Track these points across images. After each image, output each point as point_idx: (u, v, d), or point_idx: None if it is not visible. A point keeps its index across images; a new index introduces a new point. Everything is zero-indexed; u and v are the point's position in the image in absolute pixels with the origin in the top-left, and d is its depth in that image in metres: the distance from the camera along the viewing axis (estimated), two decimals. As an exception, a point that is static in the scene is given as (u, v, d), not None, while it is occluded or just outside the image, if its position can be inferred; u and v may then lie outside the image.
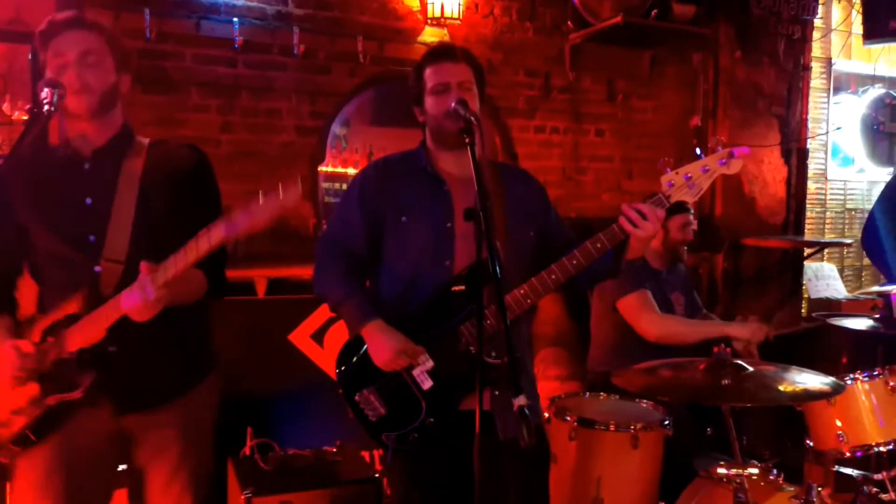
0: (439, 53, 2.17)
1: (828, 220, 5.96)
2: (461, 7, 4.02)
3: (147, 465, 2.04)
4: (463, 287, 2.06)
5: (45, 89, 1.79)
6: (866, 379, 2.74)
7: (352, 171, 4.09)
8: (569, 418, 2.64)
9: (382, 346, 2.05)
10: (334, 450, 3.02)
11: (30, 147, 1.87)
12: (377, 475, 2.85)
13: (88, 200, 1.94)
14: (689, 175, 1.98)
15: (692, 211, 3.45)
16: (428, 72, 2.14)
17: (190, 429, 2.05)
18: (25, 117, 1.79)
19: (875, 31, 4.88)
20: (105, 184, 1.95)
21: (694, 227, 3.52)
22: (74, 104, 1.89)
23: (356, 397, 2.13)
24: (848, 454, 2.73)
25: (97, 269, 1.90)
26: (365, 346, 2.10)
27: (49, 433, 1.89)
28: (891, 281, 3.78)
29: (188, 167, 2.08)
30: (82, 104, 1.89)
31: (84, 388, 1.85)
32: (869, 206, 5.37)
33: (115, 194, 1.94)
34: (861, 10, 5.10)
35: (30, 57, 3.38)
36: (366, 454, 3.27)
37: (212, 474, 2.18)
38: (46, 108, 1.77)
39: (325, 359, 3.48)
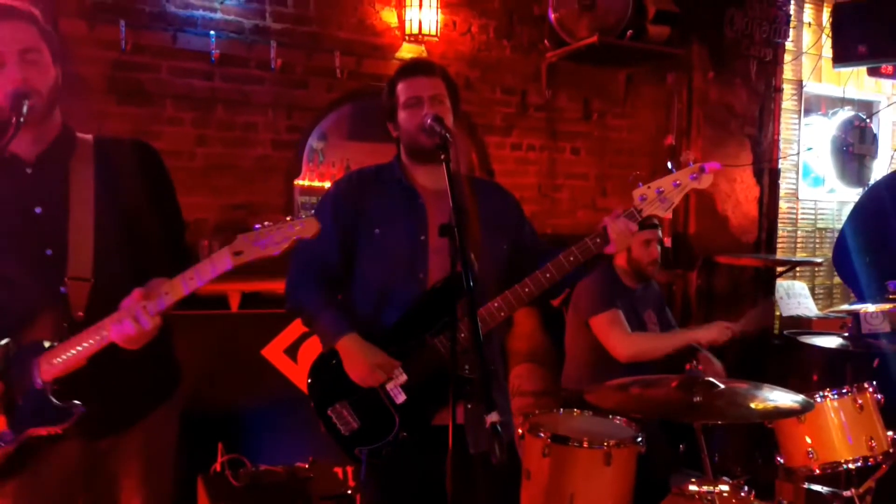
0: (411, 68, 2.18)
1: (799, 239, 6.04)
2: (439, 24, 4.05)
3: (104, 484, 1.92)
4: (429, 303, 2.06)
5: (14, 98, 1.67)
6: (835, 397, 2.77)
7: (328, 185, 4.08)
8: (542, 434, 2.64)
9: (358, 361, 2.04)
10: (307, 466, 3.00)
11: None
12: (350, 491, 2.83)
13: (38, 209, 1.77)
14: (661, 189, 2.00)
15: (658, 227, 3.47)
16: (400, 86, 2.14)
17: (152, 450, 1.95)
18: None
19: (844, 54, 4.98)
20: (54, 190, 1.78)
21: (667, 243, 3.53)
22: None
23: (328, 411, 2.12)
24: (818, 471, 2.75)
25: (62, 289, 1.74)
26: (338, 360, 2.09)
27: (19, 466, 1.76)
28: (861, 299, 3.83)
29: (142, 166, 1.94)
30: (33, 111, 1.70)
31: (69, 423, 1.72)
32: (839, 226, 5.45)
33: (69, 201, 1.78)
34: (831, 35, 5.21)
35: None
36: (338, 470, 3.24)
37: (173, 495, 2.09)
38: (14, 119, 1.66)
39: (299, 374, 3.46)
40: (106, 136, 1.96)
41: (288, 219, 1.70)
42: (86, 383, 1.73)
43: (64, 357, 1.71)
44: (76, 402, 1.73)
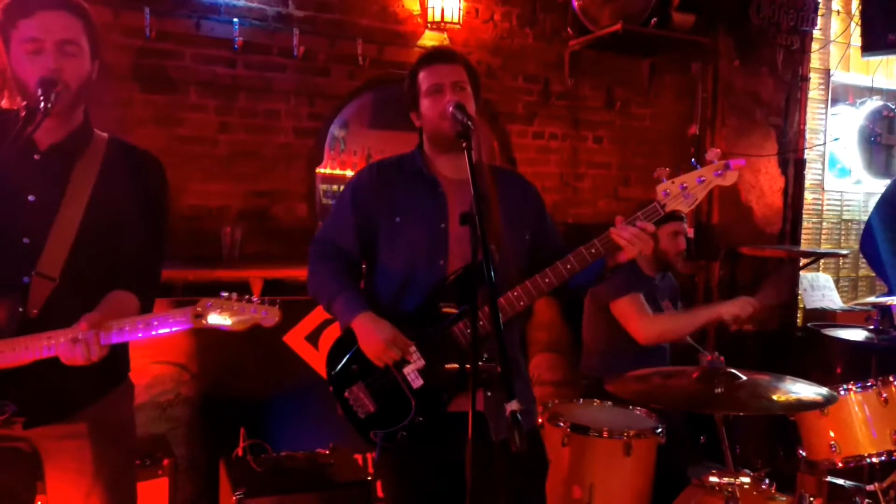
0: (432, 56, 2.18)
1: (824, 231, 5.97)
2: (461, 12, 4.03)
3: (60, 480, 1.86)
4: (454, 310, 2.07)
5: (42, 86, 1.68)
6: (859, 390, 2.74)
7: (350, 173, 4.09)
8: (562, 424, 2.64)
9: (373, 336, 2.05)
10: (327, 452, 3.02)
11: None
12: (369, 478, 2.84)
13: (31, 197, 1.76)
14: (685, 185, 1.99)
15: (684, 219, 3.44)
16: (422, 75, 2.14)
17: (104, 439, 1.88)
18: (23, 114, 1.71)
19: (873, 43, 4.89)
20: (54, 181, 1.77)
21: (690, 234, 3.51)
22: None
23: (346, 393, 2.14)
24: (840, 465, 2.73)
25: (25, 279, 1.73)
26: (356, 343, 2.10)
27: None
28: (892, 291, 3.79)
29: (147, 179, 1.93)
30: (58, 101, 1.70)
31: (5, 417, 1.70)
32: (865, 218, 5.38)
33: (64, 196, 1.77)
34: (860, 23, 5.12)
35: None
36: (358, 457, 3.27)
37: (134, 490, 2.02)
38: (42, 105, 1.66)
39: (320, 361, 3.48)
40: (121, 139, 1.95)
41: (255, 300, 1.73)
42: (20, 372, 1.70)
43: (9, 353, 1.69)
44: (7, 401, 1.71)
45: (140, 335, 1.69)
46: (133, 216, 1.86)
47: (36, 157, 1.79)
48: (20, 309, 1.72)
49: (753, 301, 3.12)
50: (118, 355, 1.91)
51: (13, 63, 1.76)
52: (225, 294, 1.73)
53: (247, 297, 1.73)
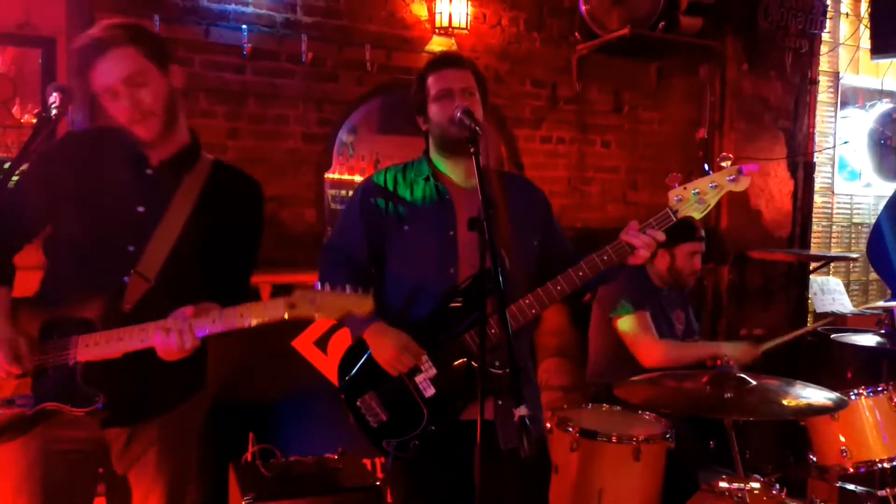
0: (441, 62, 2.19)
1: (834, 234, 5.94)
2: (469, 17, 4.04)
3: (123, 476, 1.97)
4: (460, 303, 2.07)
5: (54, 94, 1.73)
6: (870, 395, 2.73)
7: (358, 178, 4.09)
8: (571, 429, 2.64)
9: (386, 344, 2.06)
10: (336, 457, 3.02)
11: (45, 144, 1.75)
12: (378, 483, 2.84)
13: (141, 208, 1.87)
14: (698, 190, 1.99)
15: (704, 240, 3.42)
16: (430, 80, 2.15)
17: (170, 445, 1.98)
18: (34, 121, 1.74)
19: (883, 45, 4.87)
20: (162, 195, 1.89)
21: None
22: (143, 132, 1.82)
23: (357, 402, 2.14)
24: (851, 470, 2.72)
25: (125, 279, 1.82)
26: (368, 351, 2.10)
27: (30, 431, 1.79)
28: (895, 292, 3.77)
29: (246, 200, 2.05)
30: (152, 130, 1.83)
31: (88, 410, 1.76)
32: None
33: (169, 208, 1.88)
34: (869, 25, 5.10)
35: (40, 60, 3.41)
36: (367, 462, 3.27)
37: (189, 494, 2.10)
38: (55, 112, 1.71)
39: (329, 365, 3.49)
40: (224, 162, 2.07)
41: (348, 288, 1.75)
42: (110, 371, 1.77)
43: (103, 345, 1.76)
44: (99, 392, 1.77)
45: (234, 326, 1.73)
46: (229, 235, 1.96)
47: (149, 171, 1.90)
48: (115, 304, 1.80)
49: (755, 350, 3.20)
50: (199, 363, 2.03)
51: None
52: (318, 285, 1.76)
53: (339, 286, 1.76)
